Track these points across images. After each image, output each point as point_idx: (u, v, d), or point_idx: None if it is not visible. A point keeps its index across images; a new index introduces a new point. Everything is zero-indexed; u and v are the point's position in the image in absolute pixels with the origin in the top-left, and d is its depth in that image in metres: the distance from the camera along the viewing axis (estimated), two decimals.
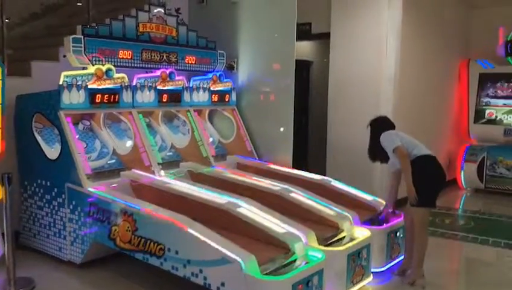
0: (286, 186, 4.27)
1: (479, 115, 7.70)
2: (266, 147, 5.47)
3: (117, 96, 4.34)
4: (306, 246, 3.36)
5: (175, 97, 4.91)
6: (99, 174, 4.10)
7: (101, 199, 3.77)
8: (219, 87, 5.41)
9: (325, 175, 5.17)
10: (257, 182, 4.41)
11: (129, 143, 4.45)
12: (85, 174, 3.94)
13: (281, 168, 5.00)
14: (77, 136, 4.15)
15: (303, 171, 4.94)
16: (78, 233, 3.97)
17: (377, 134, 3.98)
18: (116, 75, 4.34)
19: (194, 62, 5.15)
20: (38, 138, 4.22)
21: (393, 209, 4.23)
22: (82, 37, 4.14)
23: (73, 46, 4.08)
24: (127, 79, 4.43)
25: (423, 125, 6.38)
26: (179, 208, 3.63)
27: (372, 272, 3.90)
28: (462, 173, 7.54)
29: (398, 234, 4.23)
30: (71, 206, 3.99)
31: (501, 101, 7.59)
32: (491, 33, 7.36)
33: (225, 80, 5.48)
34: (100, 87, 4.22)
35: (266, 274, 2.99)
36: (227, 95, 5.48)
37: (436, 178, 3.88)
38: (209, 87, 5.30)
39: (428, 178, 3.79)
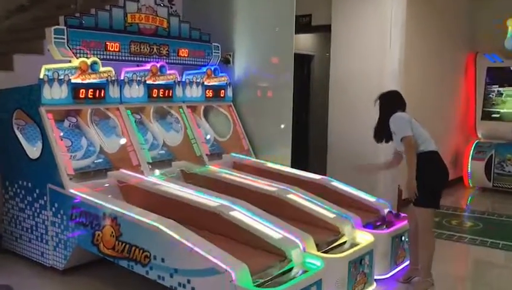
0: (283, 187, 4.09)
1: (487, 111, 7.45)
2: (264, 145, 5.30)
3: (103, 92, 4.13)
4: (303, 253, 3.15)
5: (166, 92, 4.68)
6: (84, 174, 3.90)
7: (83, 202, 3.55)
8: (214, 82, 5.20)
9: (325, 174, 4.98)
10: (253, 182, 4.24)
11: (117, 141, 4.24)
12: (67, 174, 3.72)
13: (279, 167, 4.83)
14: (62, 134, 3.97)
15: (302, 171, 4.76)
16: (61, 237, 3.75)
17: (386, 111, 3.68)
18: (102, 69, 4.12)
19: (186, 55, 4.94)
20: (20, 136, 4.00)
21: (397, 211, 4.01)
22: (65, 28, 3.92)
23: (55, 38, 3.86)
24: (113, 73, 4.22)
25: (428, 121, 6.05)
26: (168, 211, 3.45)
27: (376, 280, 3.68)
28: (469, 171, 7.34)
29: (403, 238, 3.99)
30: (53, 209, 3.78)
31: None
32: (499, 26, 7.09)
33: (220, 75, 5.27)
34: (85, 81, 4.01)
35: (259, 285, 2.77)
36: (223, 91, 5.28)
37: (440, 177, 3.65)
38: (203, 82, 5.09)
39: (432, 176, 3.55)
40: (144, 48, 4.51)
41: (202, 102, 5.13)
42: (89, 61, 4.03)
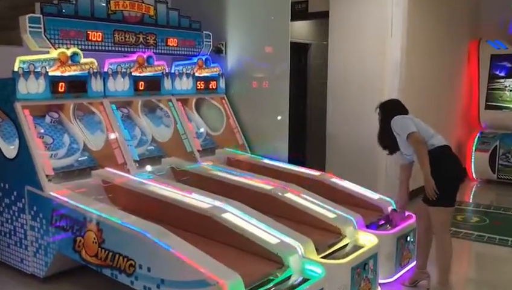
0: (281, 184, 3.87)
1: (491, 100, 7.20)
2: (259, 139, 5.09)
3: (84, 85, 3.87)
4: (302, 259, 2.90)
5: (153, 85, 4.44)
6: (67, 173, 3.68)
7: (63, 205, 3.28)
8: (205, 73, 4.97)
9: (324, 170, 4.77)
10: (248, 180, 4.02)
11: (102, 138, 3.99)
12: (46, 175, 3.46)
13: (276, 163, 4.63)
14: (42, 131, 3.74)
15: (300, 167, 4.55)
16: (41, 243, 3.49)
17: (388, 119, 3.50)
18: (83, 60, 3.88)
19: (175, 45, 4.69)
20: None
21: (402, 210, 3.75)
22: (41, 16, 3.65)
23: (30, 27, 3.59)
24: (96, 64, 3.98)
25: (430, 112, 5.91)
26: (155, 213, 3.25)
27: (380, 284, 3.43)
28: (473, 162, 7.11)
29: (408, 238, 3.75)
30: (32, 213, 3.52)
31: None
32: (504, 11, 6.85)
33: (212, 65, 5.05)
34: (64, 74, 3.75)
35: None
36: (215, 82, 5.04)
37: (456, 173, 3.39)
38: (194, 73, 4.85)
39: (446, 173, 3.28)
40: (129, 37, 4.25)
41: (193, 95, 4.90)
42: (69, 52, 3.77)
